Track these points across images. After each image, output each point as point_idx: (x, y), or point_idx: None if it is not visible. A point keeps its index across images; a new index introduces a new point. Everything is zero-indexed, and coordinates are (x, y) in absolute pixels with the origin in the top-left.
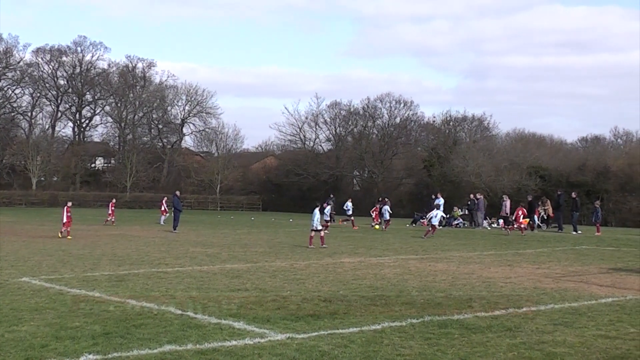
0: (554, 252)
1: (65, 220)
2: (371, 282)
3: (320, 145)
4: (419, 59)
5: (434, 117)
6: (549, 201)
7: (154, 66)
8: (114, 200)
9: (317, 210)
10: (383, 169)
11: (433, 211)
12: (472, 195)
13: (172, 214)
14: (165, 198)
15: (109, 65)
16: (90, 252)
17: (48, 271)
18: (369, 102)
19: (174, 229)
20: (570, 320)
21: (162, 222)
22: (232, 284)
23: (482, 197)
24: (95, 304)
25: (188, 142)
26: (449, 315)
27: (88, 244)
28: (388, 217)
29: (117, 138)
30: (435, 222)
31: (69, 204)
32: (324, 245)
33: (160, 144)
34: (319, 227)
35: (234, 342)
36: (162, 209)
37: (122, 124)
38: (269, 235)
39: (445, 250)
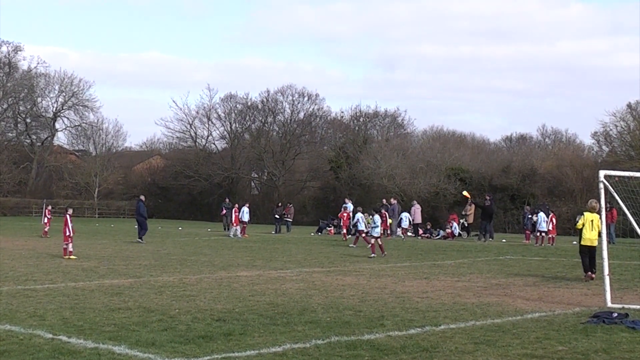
0: (475, 263)
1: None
2: (271, 298)
3: (214, 144)
4: (321, 46)
5: (342, 112)
6: (473, 206)
7: (21, 50)
8: (49, 208)
9: (377, 216)
10: (284, 171)
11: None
12: (384, 200)
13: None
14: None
15: None
16: None
17: None
18: (268, 95)
19: (140, 239)
20: (492, 338)
21: (237, 234)
22: (112, 302)
23: (396, 202)
24: None
25: (61, 139)
26: (359, 335)
27: None
28: (363, 227)
29: None
30: (361, 227)
31: (70, 211)
32: (372, 255)
33: (29, 141)
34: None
35: None
36: (232, 218)
37: None
38: (154, 246)
39: (354, 262)
